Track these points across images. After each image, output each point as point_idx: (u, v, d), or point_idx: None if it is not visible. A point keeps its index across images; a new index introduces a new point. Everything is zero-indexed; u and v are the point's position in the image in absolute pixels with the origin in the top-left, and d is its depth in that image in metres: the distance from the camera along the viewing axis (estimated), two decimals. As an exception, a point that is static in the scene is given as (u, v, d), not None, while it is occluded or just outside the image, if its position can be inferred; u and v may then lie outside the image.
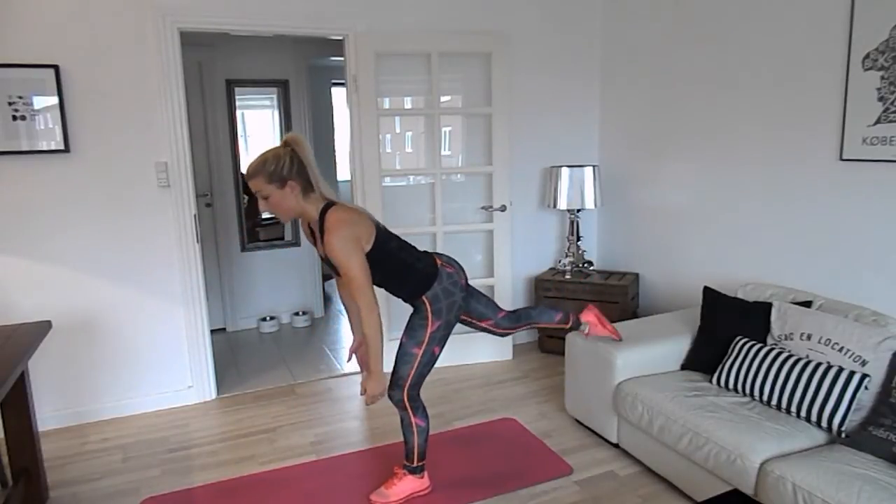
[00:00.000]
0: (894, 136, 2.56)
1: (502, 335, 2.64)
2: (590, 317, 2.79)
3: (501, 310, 2.58)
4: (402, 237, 2.38)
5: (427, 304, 2.31)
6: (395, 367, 2.39)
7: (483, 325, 2.56)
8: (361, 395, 2.34)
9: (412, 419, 2.43)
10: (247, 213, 4.94)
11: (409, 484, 2.53)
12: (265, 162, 2.11)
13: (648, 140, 3.97)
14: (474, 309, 2.51)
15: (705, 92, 3.50)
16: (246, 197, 4.92)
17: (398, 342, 2.40)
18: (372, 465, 2.82)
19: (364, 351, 2.42)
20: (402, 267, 2.30)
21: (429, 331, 2.32)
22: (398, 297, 2.39)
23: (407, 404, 2.40)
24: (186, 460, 2.93)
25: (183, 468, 2.86)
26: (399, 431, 3.04)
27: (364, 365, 2.57)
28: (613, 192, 4.28)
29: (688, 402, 2.48)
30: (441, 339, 2.36)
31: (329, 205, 2.17)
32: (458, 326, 2.50)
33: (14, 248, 3.10)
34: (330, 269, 2.32)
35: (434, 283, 2.32)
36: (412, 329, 2.35)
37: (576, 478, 2.68)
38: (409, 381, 2.37)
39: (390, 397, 2.42)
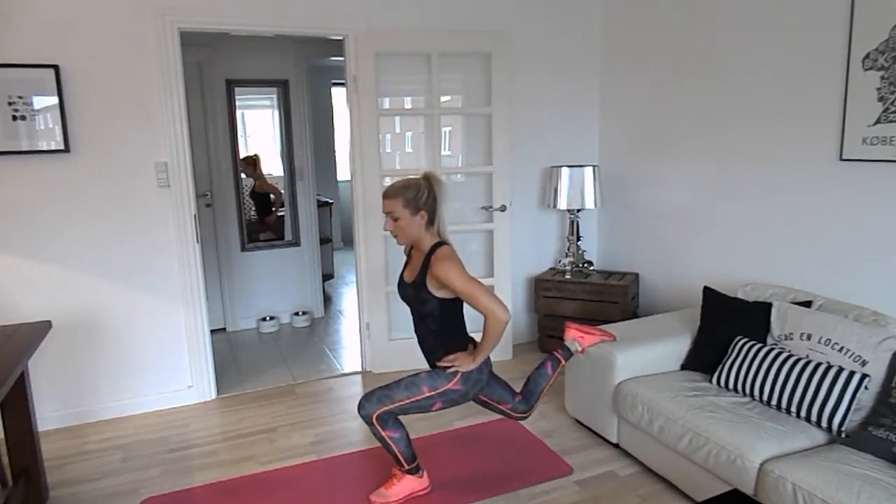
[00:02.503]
0: (894, 136, 2.56)
1: (520, 418, 2.66)
2: (571, 333, 2.80)
3: (517, 393, 2.63)
4: None
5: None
6: (391, 384, 2.38)
7: (502, 407, 2.60)
8: (444, 364, 2.35)
9: (383, 433, 2.39)
10: (251, 223, 4.94)
11: (408, 484, 2.53)
12: (407, 188, 2.30)
13: (648, 140, 3.97)
14: (494, 391, 2.56)
15: (705, 92, 3.50)
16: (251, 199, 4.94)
17: (408, 369, 2.40)
18: (372, 465, 2.82)
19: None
20: (458, 327, 2.42)
21: (448, 385, 2.34)
22: (433, 354, 2.40)
23: (374, 421, 2.36)
24: (186, 460, 2.93)
25: (183, 468, 2.86)
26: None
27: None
28: (613, 192, 4.28)
29: (688, 402, 2.48)
30: (449, 402, 2.38)
31: (442, 242, 2.36)
32: None
33: (14, 248, 3.10)
34: (407, 302, 2.44)
35: None
36: (436, 373, 2.36)
37: (576, 478, 2.68)
38: (391, 406, 2.34)
39: (359, 407, 2.38)
